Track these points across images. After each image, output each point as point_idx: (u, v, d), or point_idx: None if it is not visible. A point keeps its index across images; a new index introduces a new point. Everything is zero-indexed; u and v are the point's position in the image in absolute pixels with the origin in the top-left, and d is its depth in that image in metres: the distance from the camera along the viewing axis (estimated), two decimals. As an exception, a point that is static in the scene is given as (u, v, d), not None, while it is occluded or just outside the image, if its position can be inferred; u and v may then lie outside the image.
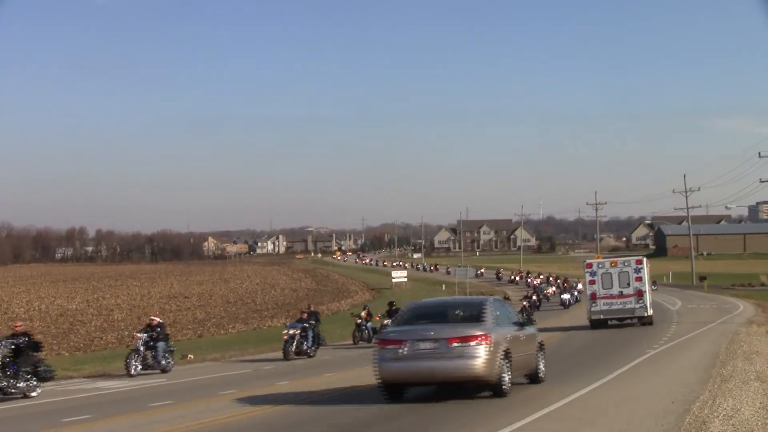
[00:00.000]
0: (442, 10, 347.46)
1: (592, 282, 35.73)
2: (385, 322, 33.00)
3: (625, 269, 35.70)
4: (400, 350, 14.89)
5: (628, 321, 35.86)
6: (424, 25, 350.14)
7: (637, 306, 35.02)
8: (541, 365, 17.57)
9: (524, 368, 16.70)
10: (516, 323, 17.09)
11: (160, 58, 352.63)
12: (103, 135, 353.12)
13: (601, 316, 35.35)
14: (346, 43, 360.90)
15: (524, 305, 51.66)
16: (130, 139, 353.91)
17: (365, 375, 19.55)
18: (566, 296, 61.73)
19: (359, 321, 36.54)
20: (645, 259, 37.81)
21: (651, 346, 26.26)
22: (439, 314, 16.48)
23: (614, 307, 35.21)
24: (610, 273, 35.53)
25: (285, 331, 29.97)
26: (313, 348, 30.14)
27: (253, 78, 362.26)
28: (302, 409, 15.57)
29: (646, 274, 35.65)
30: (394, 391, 15.35)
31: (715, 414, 13.25)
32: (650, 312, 35.60)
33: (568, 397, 15.44)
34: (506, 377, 15.33)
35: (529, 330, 17.76)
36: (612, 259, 38.55)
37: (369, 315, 36.85)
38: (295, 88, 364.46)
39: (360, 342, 35.96)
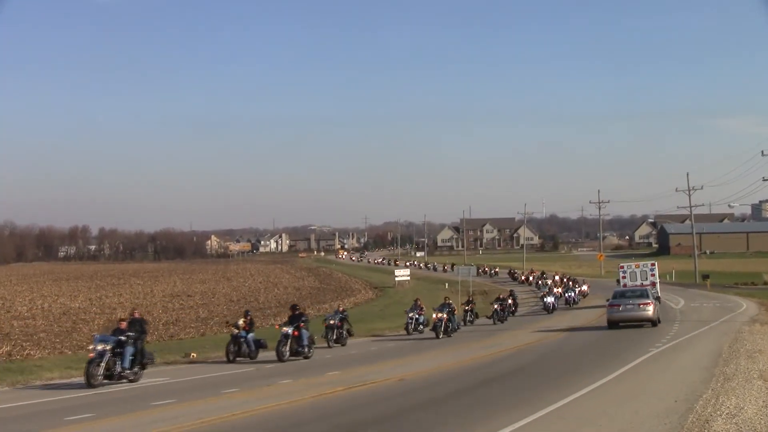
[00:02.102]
0: (442, 11, 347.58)
1: (624, 277, 52.51)
2: (285, 329, 27.31)
3: (644, 269, 52.91)
4: (620, 308, 34.87)
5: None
6: (426, 26, 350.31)
7: (652, 291, 48.54)
8: (659, 316, 36.25)
9: (657, 317, 35.70)
10: (655, 298, 37.73)
11: (163, 58, 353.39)
12: (106, 134, 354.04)
13: None
14: (348, 44, 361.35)
15: (495, 309, 46.53)
16: (133, 138, 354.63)
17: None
18: (550, 299, 53.32)
19: (236, 331, 27.57)
20: (656, 263, 56.45)
21: (654, 344, 26.24)
22: (628, 294, 36.70)
23: None
24: (635, 271, 52.77)
25: (92, 347, 21.22)
26: (134, 370, 21.51)
27: (255, 78, 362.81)
28: (303, 408, 15.55)
29: (657, 272, 53.24)
30: (614, 325, 34.48)
31: (718, 413, 13.24)
32: (660, 295, 50.15)
33: (570, 396, 15.44)
34: (656, 318, 35.30)
35: (657, 302, 38.91)
36: (636, 263, 56.38)
37: (250, 324, 28.15)
38: (296, 88, 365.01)
39: (238, 358, 27.15)
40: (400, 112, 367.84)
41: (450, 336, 36.66)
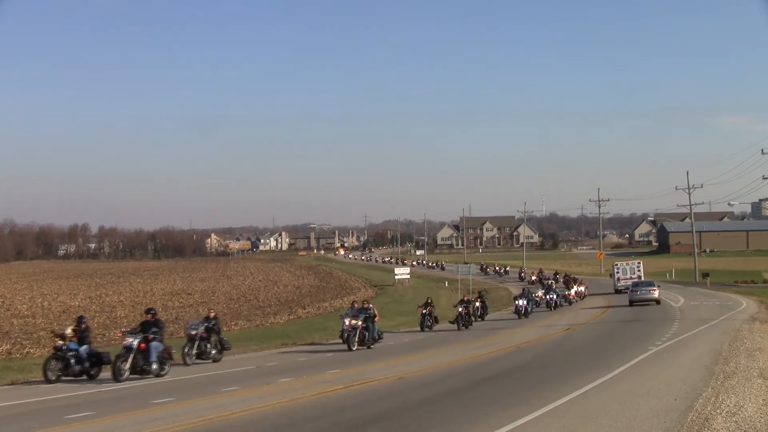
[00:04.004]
0: (442, 11, 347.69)
1: (618, 272, 68.98)
2: (128, 340, 21.48)
3: (632, 266, 69.37)
4: (637, 292, 51.07)
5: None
6: (426, 25, 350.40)
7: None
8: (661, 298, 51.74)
9: (660, 298, 51.35)
10: (656, 285, 52.40)
11: (163, 57, 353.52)
12: (106, 133, 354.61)
13: (620, 286, 66.05)
14: (347, 43, 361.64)
15: (459, 312, 40.49)
16: (133, 136, 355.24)
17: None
18: (521, 302, 46.89)
19: (61, 344, 21.96)
20: (641, 261, 72.91)
21: (654, 343, 26.23)
22: (640, 284, 53.80)
23: (627, 283, 62.72)
24: (626, 268, 69.03)
25: None
26: None
27: (255, 76, 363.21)
28: (304, 406, 15.53)
29: (642, 268, 68.99)
30: (633, 304, 50.02)
31: (718, 411, 13.23)
32: None
33: (570, 394, 15.43)
34: (659, 299, 50.82)
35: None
36: (626, 260, 74.41)
37: (83, 334, 22.37)
38: (297, 87, 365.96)
39: (62, 378, 21.63)
40: (400, 110, 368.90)
41: (370, 348, 30.70)
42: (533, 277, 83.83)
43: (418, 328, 40.31)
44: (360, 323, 30.73)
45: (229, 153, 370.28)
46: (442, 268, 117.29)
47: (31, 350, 34.04)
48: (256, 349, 32.76)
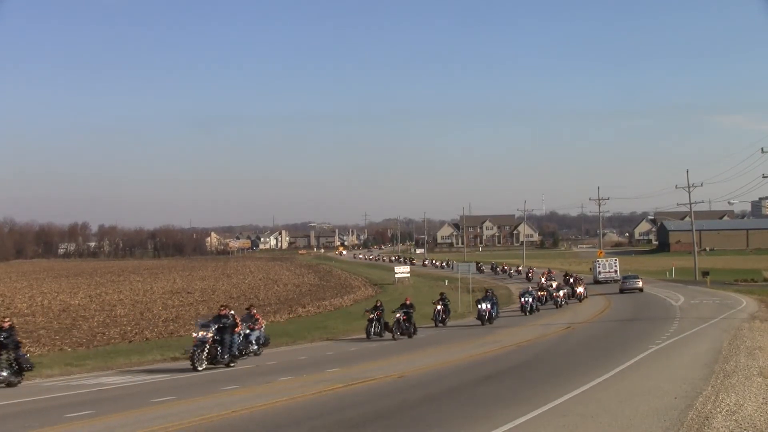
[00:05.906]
0: (442, 10, 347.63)
1: (598, 266, 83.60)
2: None
3: (610, 262, 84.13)
4: (627, 283, 67.10)
5: (611, 282, 76.43)
6: (426, 25, 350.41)
7: (615, 276, 78.93)
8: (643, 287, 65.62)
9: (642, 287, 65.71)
10: (640, 278, 67.99)
11: (163, 56, 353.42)
12: (106, 131, 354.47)
13: (600, 278, 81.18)
14: (347, 42, 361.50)
15: (396, 319, 35.07)
16: (133, 135, 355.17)
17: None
18: (485, 305, 41.10)
19: None
20: (617, 259, 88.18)
21: (654, 341, 26.24)
22: (628, 276, 70.19)
23: (606, 276, 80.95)
24: (605, 263, 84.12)
25: None
26: None
27: (255, 75, 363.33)
28: (305, 405, 15.52)
29: (618, 264, 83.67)
30: (623, 291, 65.39)
31: (718, 410, 13.23)
32: (618, 277, 76.79)
33: (570, 393, 15.44)
34: (642, 288, 65.22)
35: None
36: (606, 258, 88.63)
37: None
38: (296, 86, 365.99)
39: None
40: (400, 109, 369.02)
41: (230, 366, 23.84)
42: (543, 278, 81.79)
43: (366, 337, 35.05)
44: (210, 335, 23.45)
45: (229, 151, 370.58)
46: (451, 268, 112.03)
47: (32, 349, 34.03)
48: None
